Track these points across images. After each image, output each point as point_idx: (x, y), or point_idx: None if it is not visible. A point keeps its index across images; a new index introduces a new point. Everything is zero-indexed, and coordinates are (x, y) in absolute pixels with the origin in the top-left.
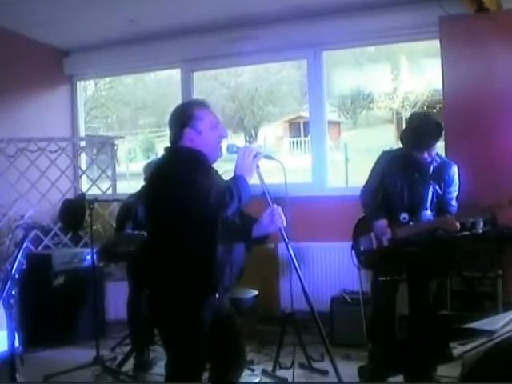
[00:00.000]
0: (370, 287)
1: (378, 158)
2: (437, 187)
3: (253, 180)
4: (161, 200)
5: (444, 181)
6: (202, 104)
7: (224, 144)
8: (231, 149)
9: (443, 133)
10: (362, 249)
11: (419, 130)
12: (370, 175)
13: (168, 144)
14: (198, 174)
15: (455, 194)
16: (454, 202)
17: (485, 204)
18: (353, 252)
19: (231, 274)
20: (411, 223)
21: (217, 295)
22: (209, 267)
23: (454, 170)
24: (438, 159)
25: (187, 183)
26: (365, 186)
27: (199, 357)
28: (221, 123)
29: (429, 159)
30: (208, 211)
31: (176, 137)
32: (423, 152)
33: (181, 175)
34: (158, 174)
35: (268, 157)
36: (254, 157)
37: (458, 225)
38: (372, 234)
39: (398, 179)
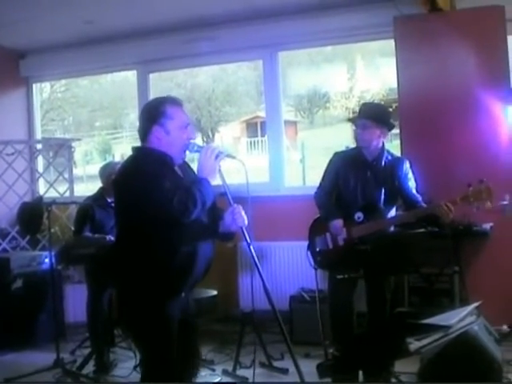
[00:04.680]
0: (327, 286)
1: (331, 159)
2: (390, 184)
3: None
4: (126, 203)
5: (398, 177)
6: (174, 102)
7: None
8: (192, 147)
9: (386, 115)
10: (317, 249)
11: (361, 107)
12: (324, 176)
13: (124, 146)
14: (162, 180)
15: (414, 185)
16: (415, 192)
17: (438, 202)
18: (309, 252)
19: (197, 272)
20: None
21: (183, 294)
22: (174, 267)
23: (407, 165)
24: (390, 157)
25: (150, 189)
26: (319, 188)
27: (169, 355)
28: (190, 124)
29: (375, 153)
30: (170, 218)
31: (144, 133)
32: (358, 124)
33: (144, 180)
34: (122, 176)
35: (230, 156)
36: (217, 156)
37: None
38: (328, 235)
39: (351, 179)
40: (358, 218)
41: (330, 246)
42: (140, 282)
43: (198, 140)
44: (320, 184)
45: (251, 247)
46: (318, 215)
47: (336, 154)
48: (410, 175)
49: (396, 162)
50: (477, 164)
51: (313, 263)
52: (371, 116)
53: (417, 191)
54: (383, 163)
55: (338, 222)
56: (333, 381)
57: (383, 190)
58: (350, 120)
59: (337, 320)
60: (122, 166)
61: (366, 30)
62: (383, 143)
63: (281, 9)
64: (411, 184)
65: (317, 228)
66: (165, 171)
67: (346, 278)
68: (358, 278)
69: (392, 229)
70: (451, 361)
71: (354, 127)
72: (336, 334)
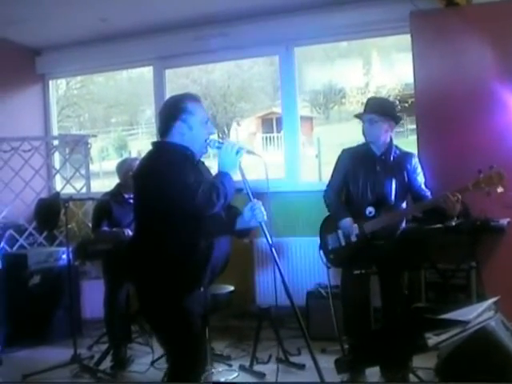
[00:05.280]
0: (341, 283)
1: (339, 156)
2: (400, 178)
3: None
4: (148, 197)
5: (407, 170)
6: (194, 98)
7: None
8: (213, 144)
9: (392, 108)
10: (330, 248)
11: (366, 102)
12: (332, 174)
13: (140, 142)
14: (185, 173)
15: (422, 180)
16: (424, 187)
17: (451, 190)
18: (321, 251)
19: (216, 267)
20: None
21: (202, 288)
22: (193, 261)
23: (415, 159)
24: (398, 151)
25: (174, 183)
26: (328, 186)
27: (197, 346)
28: (209, 119)
29: (384, 148)
30: (194, 211)
31: (166, 129)
32: (365, 119)
33: (168, 174)
34: (144, 170)
35: (250, 152)
36: (237, 152)
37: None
38: (339, 232)
39: (360, 174)
40: (369, 212)
41: (343, 243)
42: (159, 276)
43: (214, 136)
44: (329, 182)
45: (271, 243)
46: (329, 214)
47: (344, 151)
48: (419, 170)
49: (405, 157)
50: (493, 158)
51: (326, 262)
52: (377, 110)
53: (425, 186)
54: (392, 158)
55: (347, 221)
56: (351, 376)
57: (393, 184)
58: (356, 116)
59: (352, 317)
60: (142, 161)
61: (382, 24)
62: (391, 138)
63: (296, 4)
64: (420, 179)
65: (328, 226)
66: (187, 165)
67: (362, 273)
68: (373, 274)
69: (407, 224)
70: (468, 356)
71: (361, 123)
72: (351, 330)
